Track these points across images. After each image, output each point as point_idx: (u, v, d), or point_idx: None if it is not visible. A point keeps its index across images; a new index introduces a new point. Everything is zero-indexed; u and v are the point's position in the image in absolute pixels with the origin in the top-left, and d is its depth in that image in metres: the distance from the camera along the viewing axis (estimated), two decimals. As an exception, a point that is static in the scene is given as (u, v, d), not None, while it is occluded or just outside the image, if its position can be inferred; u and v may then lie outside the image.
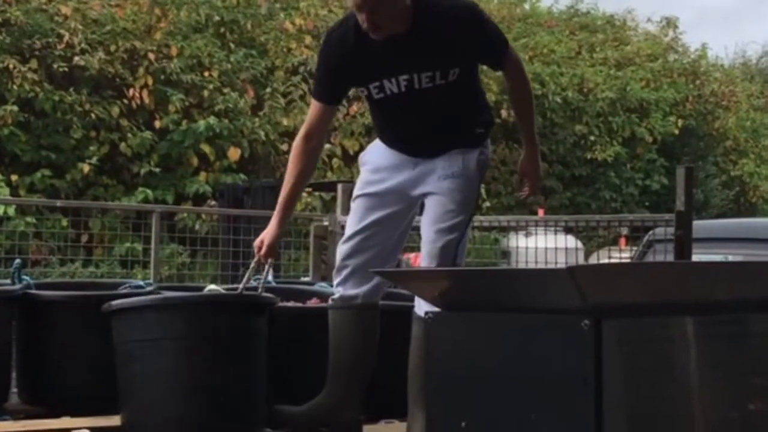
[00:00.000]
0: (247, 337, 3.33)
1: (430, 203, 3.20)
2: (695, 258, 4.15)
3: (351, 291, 3.23)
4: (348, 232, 3.27)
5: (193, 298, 3.49)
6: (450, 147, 3.18)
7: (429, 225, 3.18)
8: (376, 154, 3.30)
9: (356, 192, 3.31)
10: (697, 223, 4.76)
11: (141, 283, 4.18)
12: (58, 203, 8.74)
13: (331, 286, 4.27)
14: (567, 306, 1.95)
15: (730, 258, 4.51)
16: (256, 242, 3.38)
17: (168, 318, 3.26)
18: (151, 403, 3.24)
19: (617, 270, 2.02)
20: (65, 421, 3.45)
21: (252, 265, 3.45)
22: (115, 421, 3.49)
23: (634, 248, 5.61)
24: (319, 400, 3.29)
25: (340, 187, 5.96)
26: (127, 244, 9.37)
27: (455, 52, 3.06)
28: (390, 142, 3.27)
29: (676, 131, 17.22)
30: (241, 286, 3.51)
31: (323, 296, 3.86)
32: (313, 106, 3.26)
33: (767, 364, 2.22)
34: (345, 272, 3.25)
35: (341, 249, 3.27)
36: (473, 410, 2.14)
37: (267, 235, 3.35)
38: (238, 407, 3.23)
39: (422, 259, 3.21)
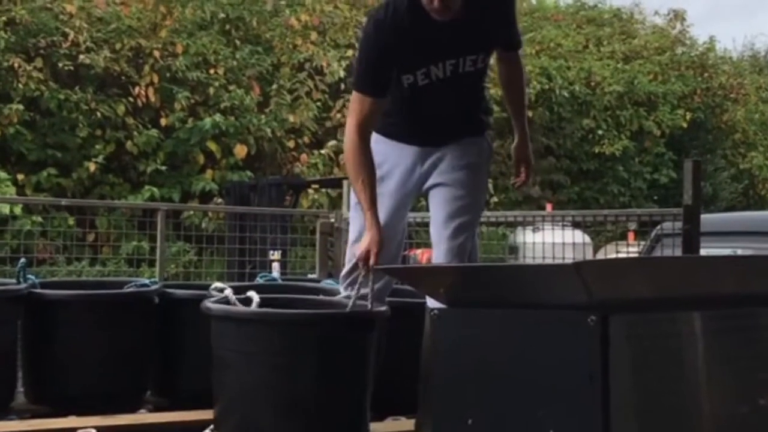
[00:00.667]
0: (355, 353, 3.06)
1: (444, 195, 3.14)
2: (703, 252, 4.11)
3: (360, 291, 3.18)
4: (357, 234, 3.18)
5: (294, 315, 3.11)
6: (461, 135, 3.17)
7: (446, 221, 3.11)
8: (375, 151, 3.17)
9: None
10: (705, 217, 4.72)
11: (147, 281, 4.17)
12: (63, 202, 8.73)
13: (338, 282, 4.24)
14: (573, 301, 1.93)
15: (739, 252, 4.47)
16: (361, 252, 3.03)
17: (266, 333, 3.00)
18: (245, 416, 3.06)
19: (624, 265, 2.00)
20: (71, 421, 3.44)
21: (360, 279, 3.07)
22: (121, 420, 3.48)
23: (643, 243, 5.58)
24: None
25: (346, 183, 5.93)
26: (134, 243, 9.35)
27: (496, 33, 3.07)
28: (400, 132, 3.18)
29: (685, 124, 17.14)
30: (351, 302, 3.10)
31: (330, 294, 3.83)
32: (364, 102, 2.99)
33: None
34: (354, 274, 3.18)
35: (352, 251, 3.20)
36: (480, 407, 2.13)
37: (372, 242, 3.00)
38: (337, 428, 3.06)
39: (440, 256, 3.11)
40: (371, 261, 3.00)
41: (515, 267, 2.02)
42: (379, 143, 3.18)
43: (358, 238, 3.15)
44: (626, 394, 1.92)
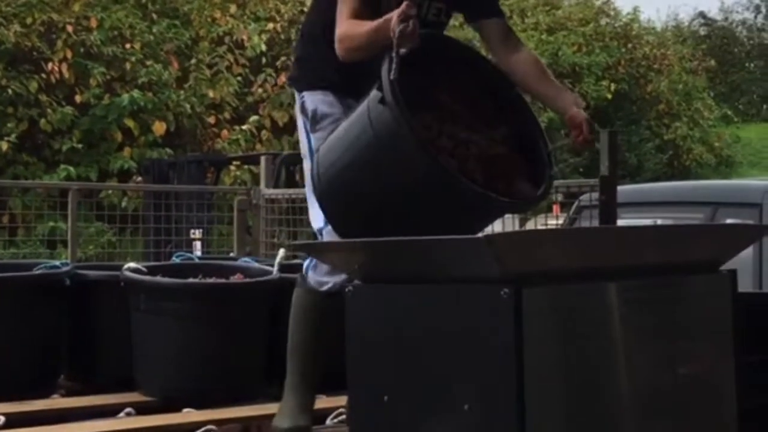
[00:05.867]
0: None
1: None
2: (622, 223, 4.13)
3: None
4: (323, 220, 2.73)
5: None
6: None
7: None
8: (326, 104, 2.82)
9: None
10: (627, 188, 4.74)
11: (57, 263, 4.05)
12: (-33, 183, 8.49)
13: (256, 260, 4.16)
14: (486, 275, 1.89)
15: (659, 222, 4.51)
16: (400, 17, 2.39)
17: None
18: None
19: (535, 237, 1.96)
20: (-18, 408, 3.32)
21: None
22: (33, 406, 3.40)
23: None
24: None
25: (263, 159, 5.87)
26: (51, 223, 9.13)
27: None
28: (344, 83, 2.77)
29: (609, 96, 17.40)
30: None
31: (247, 272, 3.76)
32: (359, 8, 2.58)
33: (691, 327, 2.19)
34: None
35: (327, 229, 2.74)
36: (396, 383, 2.09)
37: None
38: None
39: None
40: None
41: (427, 241, 1.97)
42: (327, 98, 2.84)
43: (326, 224, 2.77)
44: (541, 367, 1.89)
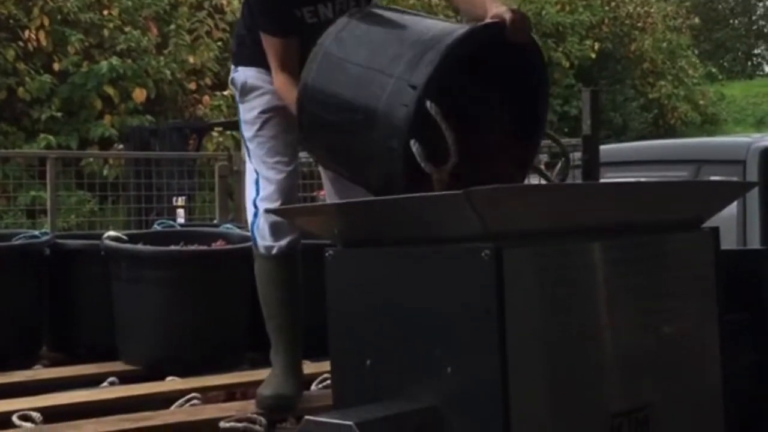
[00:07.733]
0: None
1: None
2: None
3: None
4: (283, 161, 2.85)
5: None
6: None
7: None
8: (257, 78, 2.92)
9: (264, 108, 2.87)
10: (610, 147, 4.71)
11: (36, 233, 4.01)
12: (-56, 153, 8.41)
13: (239, 227, 4.12)
14: (466, 233, 1.86)
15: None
16: None
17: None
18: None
19: (516, 191, 1.92)
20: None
21: None
22: (15, 377, 3.36)
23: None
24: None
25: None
26: (32, 193, 9.05)
27: None
28: None
29: (593, 55, 17.32)
30: None
31: (229, 238, 3.72)
32: (275, 44, 2.75)
33: (674, 285, 2.17)
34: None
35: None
36: (378, 347, 2.06)
37: None
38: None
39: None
40: None
41: (405, 199, 1.93)
42: (258, 71, 2.93)
43: (258, 193, 2.90)
44: (523, 328, 1.87)
